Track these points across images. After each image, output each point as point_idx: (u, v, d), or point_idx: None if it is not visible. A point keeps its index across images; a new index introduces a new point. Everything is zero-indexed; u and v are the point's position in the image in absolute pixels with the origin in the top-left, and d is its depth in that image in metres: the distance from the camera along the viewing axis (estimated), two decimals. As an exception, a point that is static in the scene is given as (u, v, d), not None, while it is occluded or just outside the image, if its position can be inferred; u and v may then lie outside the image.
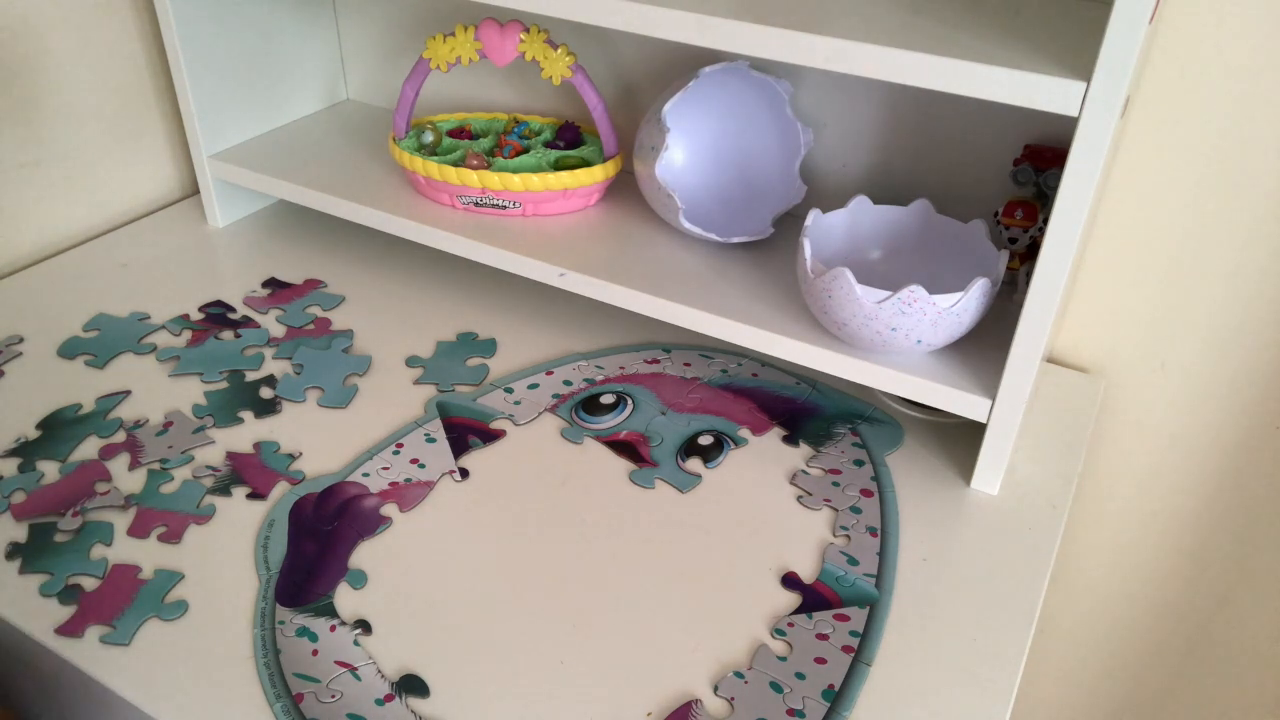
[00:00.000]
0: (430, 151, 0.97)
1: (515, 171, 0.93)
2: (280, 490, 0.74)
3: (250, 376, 0.86)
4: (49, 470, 0.75)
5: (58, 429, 0.79)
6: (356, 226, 0.97)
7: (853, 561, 0.70)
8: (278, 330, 0.92)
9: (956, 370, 0.75)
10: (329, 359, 0.88)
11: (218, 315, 0.94)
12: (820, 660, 0.62)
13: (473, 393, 0.85)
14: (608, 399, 0.84)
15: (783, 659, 0.63)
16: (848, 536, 0.72)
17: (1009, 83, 0.61)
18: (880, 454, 0.80)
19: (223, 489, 0.74)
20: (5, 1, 0.93)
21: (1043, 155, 0.81)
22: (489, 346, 0.91)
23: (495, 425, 0.81)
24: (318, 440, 0.79)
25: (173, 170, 1.13)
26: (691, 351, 0.91)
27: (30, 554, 0.68)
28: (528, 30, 0.89)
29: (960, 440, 0.80)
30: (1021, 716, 1.16)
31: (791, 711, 0.59)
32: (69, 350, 0.88)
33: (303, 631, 0.63)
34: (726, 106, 0.91)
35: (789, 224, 0.89)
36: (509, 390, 0.86)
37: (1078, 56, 0.61)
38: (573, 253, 0.88)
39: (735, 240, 0.87)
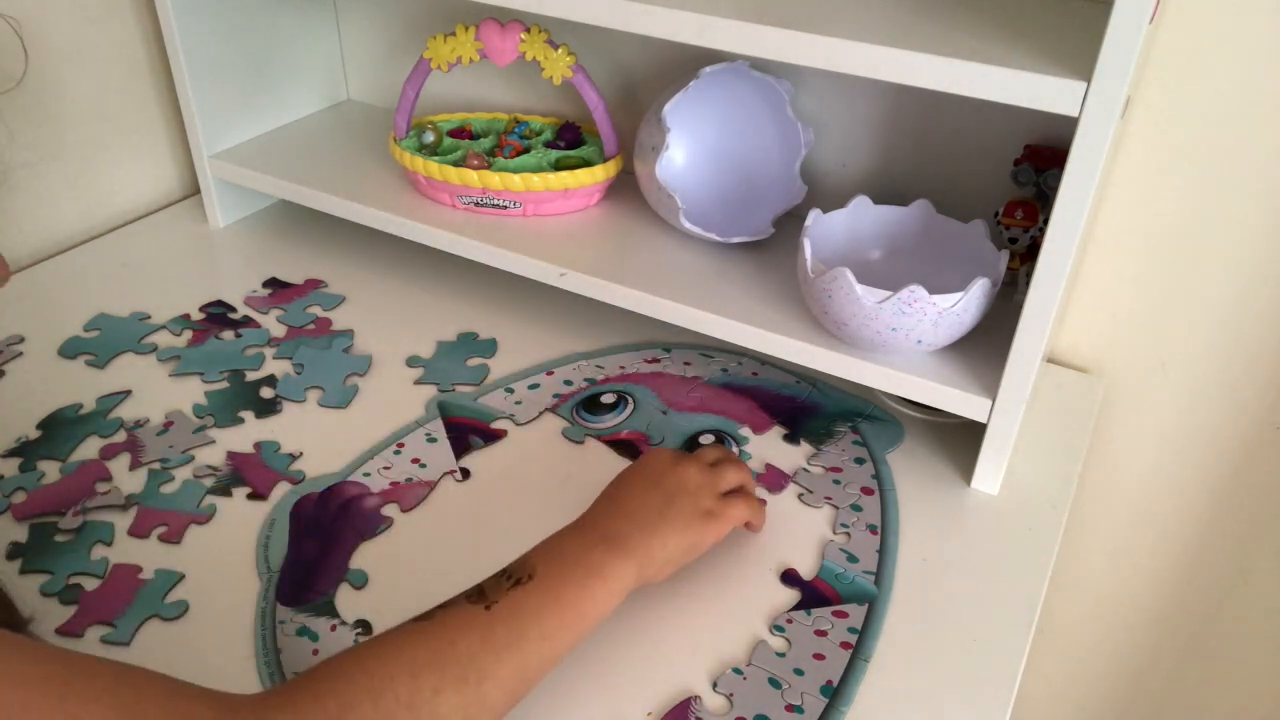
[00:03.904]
0: (431, 151, 0.97)
1: (515, 171, 0.93)
2: (281, 490, 0.74)
3: (251, 376, 0.86)
4: (49, 470, 0.75)
5: (58, 429, 0.79)
6: (357, 226, 0.97)
7: (852, 559, 0.70)
8: (278, 330, 0.92)
9: (956, 370, 0.75)
10: (329, 359, 0.88)
11: (218, 315, 0.94)
12: (819, 656, 0.63)
13: (473, 392, 0.85)
14: (608, 398, 0.84)
15: (781, 655, 0.63)
16: (848, 534, 0.72)
17: (1009, 83, 0.61)
18: (881, 452, 0.80)
19: (223, 489, 0.74)
20: (5, 2, 0.93)
21: (1043, 155, 0.81)
22: (489, 346, 0.91)
23: (496, 425, 0.81)
24: (318, 440, 0.79)
25: (173, 170, 1.14)
26: (692, 351, 0.92)
27: (31, 554, 0.68)
28: (528, 30, 0.89)
29: (960, 440, 0.80)
30: (1021, 716, 1.16)
31: (790, 707, 0.59)
32: (70, 350, 0.88)
33: (303, 631, 0.63)
34: (727, 106, 0.91)
35: (789, 224, 0.89)
36: (510, 390, 0.86)
37: (1078, 56, 0.61)
38: (573, 253, 0.88)
39: (735, 240, 0.87)
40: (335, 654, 0.50)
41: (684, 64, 0.93)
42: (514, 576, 0.54)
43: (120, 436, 0.78)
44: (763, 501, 0.71)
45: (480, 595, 0.53)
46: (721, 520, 0.64)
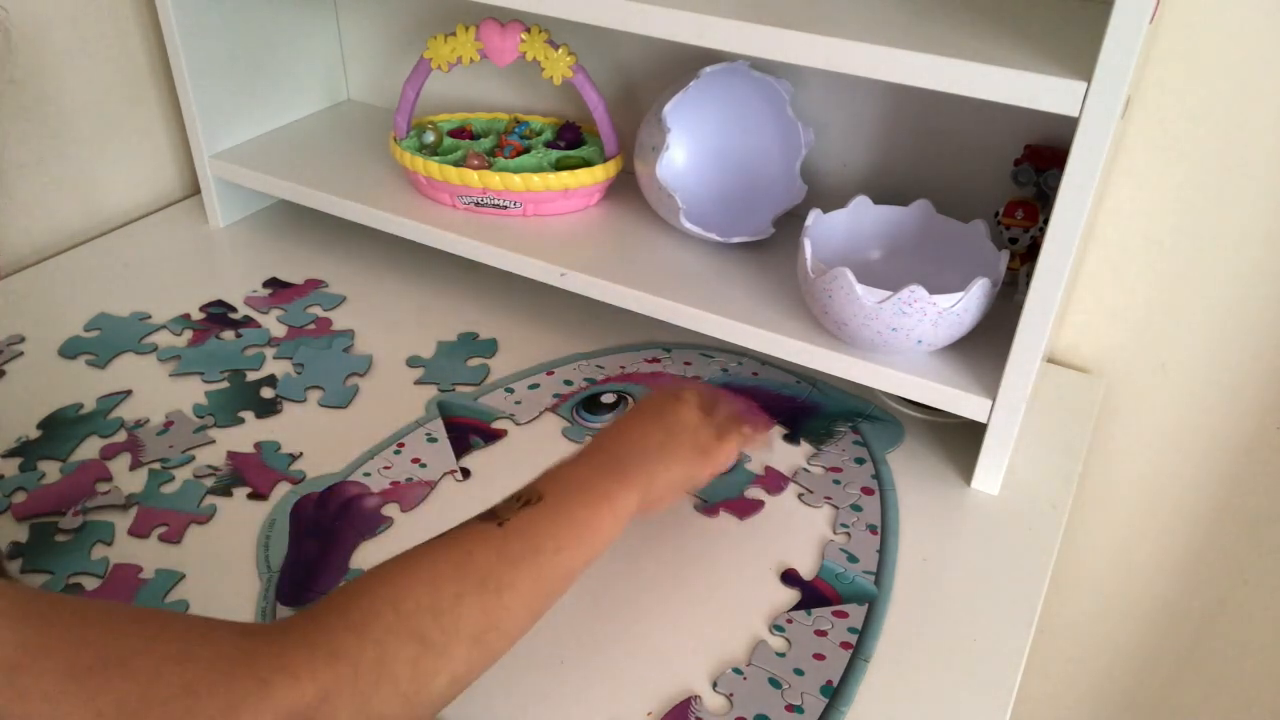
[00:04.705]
0: (431, 151, 0.97)
1: (516, 171, 0.93)
2: (281, 490, 0.74)
3: (251, 376, 0.86)
4: (50, 470, 0.75)
5: (59, 428, 0.79)
6: (357, 226, 0.97)
7: (852, 559, 0.70)
8: (278, 330, 0.92)
9: (957, 370, 0.75)
10: (330, 359, 0.88)
11: (219, 315, 0.94)
12: (819, 656, 0.63)
13: (474, 392, 0.85)
14: (609, 398, 0.84)
15: (781, 655, 0.63)
16: (848, 534, 0.72)
17: (1009, 83, 0.61)
18: (881, 452, 0.80)
19: (223, 489, 0.74)
20: (6, 2, 0.93)
21: (1043, 155, 0.81)
22: (489, 346, 0.91)
23: (496, 425, 0.81)
24: (318, 440, 0.79)
25: (173, 170, 1.14)
26: (692, 351, 0.92)
27: (31, 553, 0.68)
28: (528, 30, 0.89)
29: (960, 440, 0.80)
30: (1021, 716, 1.16)
31: (790, 707, 0.59)
32: (70, 350, 0.88)
33: (304, 630, 0.63)
34: (727, 106, 0.91)
35: (789, 224, 0.89)
36: (510, 390, 0.86)
37: (1078, 56, 0.61)
38: (573, 253, 0.88)
39: (735, 240, 0.87)
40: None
41: (684, 64, 0.93)
42: (524, 498, 0.55)
43: (120, 436, 0.78)
44: (763, 420, 0.73)
45: (492, 515, 0.54)
46: (718, 455, 0.66)
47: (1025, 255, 0.82)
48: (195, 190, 1.14)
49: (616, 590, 0.67)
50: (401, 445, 0.79)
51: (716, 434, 0.66)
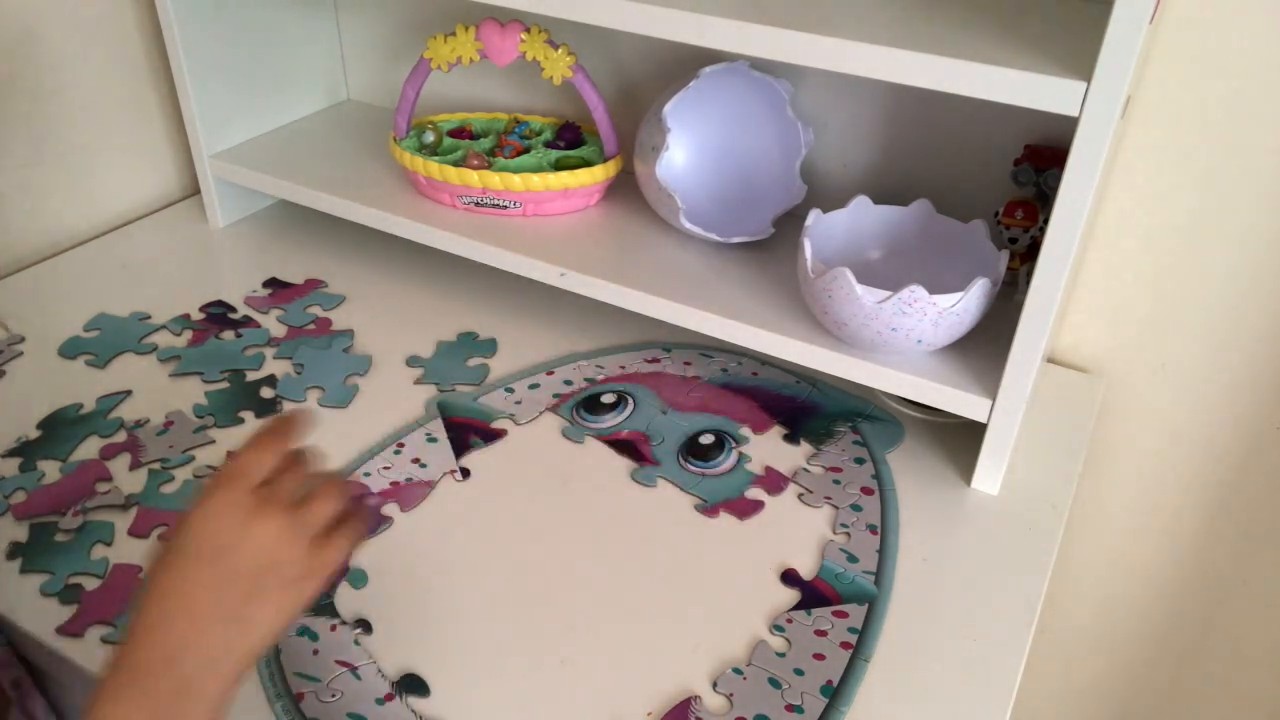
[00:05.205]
0: (431, 151, 0.97)
1: (516, 171, 0.93)
2: (281, 490, 0.74)
3: (251, 376, 0.86)
4: (50, 470, 0.75)
5: (58, 428, 0.79)
6: (357, 226, 0.97)
7: (852, 559, 0.70)
8: (278, 330, 0.92)
9: (957, 370, 0.75)
10: (329, 359, 0.88)
11: (218, 315, 0.94)
12: (819, 656, 0.63)
13: (473, 392, 0.85)
14: (608, 398, 0.84)
15: (781, 655, 0.63)
16: (848, 534, 0.72)
17: (1009, 83, 0.61)
18: (881, 452, 0.80)
19: (223, 488, 0.74)
20: (6, 2, 0.93)
21: (1043, 155, 0.81)
22: (489, 346, 0.91)
23: (496, 425, 0.81)
24: (318, 440, 0.78)
25: (173, 170, 1.14)
26: (692, 350, 0.92)
27: (31, 553, 0.68)
28: (528, 30, 0.89)
29: (960, 440, 0.80)
30: (1021, 716, 1.16)
31: (790, 707, 0.59)
32: (70, 350, 0.88)
33: (303, 631, 0.63)
34: (727, 106, 0.91)
35: (789, 224, 0.89)
36: (510, 390, 0.86)
37: (1078, 56, 0.61)
38: (573, 253, 0.88)
39: (735, 240, 0.87)
40: None
41: (684, 64, 0.93)
42: None
43: (120, 436, 0.78)
44: (371, 505, 0.58)
45: None
46: (319, 572, 0.50)
47: (1025, 255, 0.82)
48: (195, 190, 1.14)
49: (617, 590, 0.67)
50: (401, 445, 0.79)
51: (308, 543, 0.49)
